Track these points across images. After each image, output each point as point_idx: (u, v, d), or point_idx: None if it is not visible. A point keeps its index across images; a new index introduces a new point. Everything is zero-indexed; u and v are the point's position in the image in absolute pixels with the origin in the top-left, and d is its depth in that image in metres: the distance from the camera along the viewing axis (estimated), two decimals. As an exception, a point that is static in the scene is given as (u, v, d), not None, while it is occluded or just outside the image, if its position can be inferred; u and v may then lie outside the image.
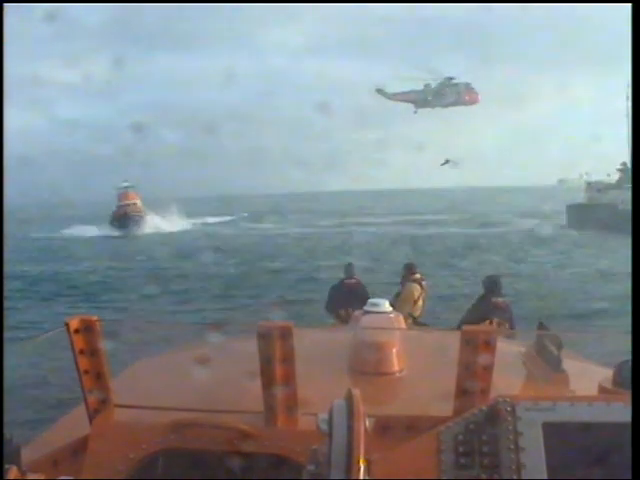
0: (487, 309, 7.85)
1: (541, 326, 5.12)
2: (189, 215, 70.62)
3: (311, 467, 1.96)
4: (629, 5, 3.36)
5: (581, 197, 52.98)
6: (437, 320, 12.26)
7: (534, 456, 2.12)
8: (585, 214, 48.34)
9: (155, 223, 63.16)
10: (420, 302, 9.43)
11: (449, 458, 2.18)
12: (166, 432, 2.78)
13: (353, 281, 9.43)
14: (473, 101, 66.54)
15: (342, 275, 9.99)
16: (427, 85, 65.46)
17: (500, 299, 8.03)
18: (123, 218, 61.55)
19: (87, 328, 2.83)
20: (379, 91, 67.04)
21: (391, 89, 67.16)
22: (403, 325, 5.80)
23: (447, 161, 57.50)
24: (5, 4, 4.28)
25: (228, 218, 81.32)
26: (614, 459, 2.08)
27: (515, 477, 2.11)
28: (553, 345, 3.81)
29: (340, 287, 9.50)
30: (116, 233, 59.08)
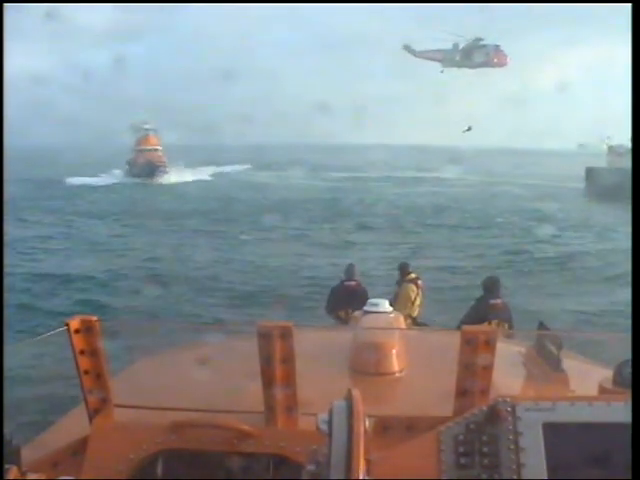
0: (486, 310, 7.85)
1: (541, 326, 5.12)
2: (202, 164, 66.59)
3: (311, 467, 1.96)
4: (629, 5, 3.35)
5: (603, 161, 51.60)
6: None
7: (534, 456, 2.12)
8: (605, 179, 46.38)
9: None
10: (417, 302, 9.44)
11: (449, 458, 2.18)
12: (166, 432, 2.78)
13: (353, 283, 9.41)
14: (502, 63, 64.32)
15: (342, 276, 9.97)
16: (455, 45, 63.89)
17: (499, 300, 8.03)
18: (147, 166, 55.67)
19: (87, 328, 2.83)
20: (406, 48, 65.40)
21: (418, 47, 65.85)
22: (403, 325, 5.81)
23: (469, 128, 57.18)
24: (5, 4, 4.27)
25: (243, 167, 78.69)
26: (614, 459, 2.08)
27: (515, 477, 2.10)
28: (553, 345, 3.82)
29: (340, 289, 9.48)
30: (135, 180, 54.36)
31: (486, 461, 2.15)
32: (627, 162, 46.49)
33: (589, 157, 56.99)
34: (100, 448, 2.76)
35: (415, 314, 9.37)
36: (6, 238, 20.53)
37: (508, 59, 65.18)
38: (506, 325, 7.82)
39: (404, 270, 9.78)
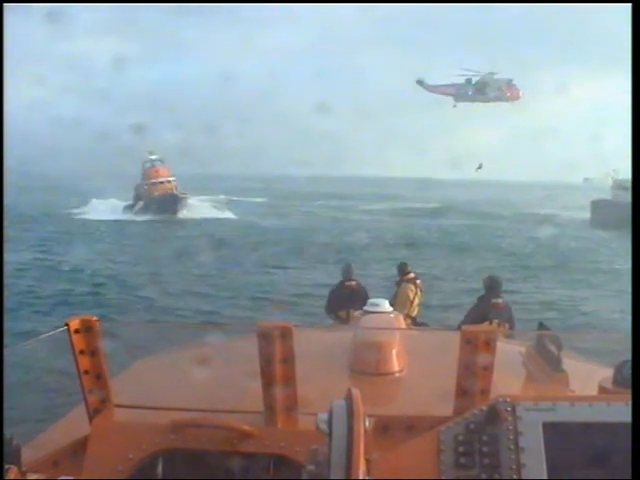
0: (487, 310, 7.85)
1: (541, 326, 5.12)
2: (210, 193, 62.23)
3: (311, 467, 1.96)
4: (629, 5, 3.35)
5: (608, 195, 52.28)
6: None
7: (534, 456, 2.11)
8: (609, 211, 47.50)
9: (194, 205, 52.62)
10: (416, 301, 9.46)
11: (449, 458, 2.18)
12: (166, 432, 2.78)
13: (353, 283, 9.43)
14: (515, 97, 64.97)
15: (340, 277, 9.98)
16: (468, 79, 64.44)
17: (500, 300, 8.03)
18: (166, 200, 49.77)
19: (87, 328, 2.84)
20: (419, 82, 65.60)
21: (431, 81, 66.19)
22: (403, 325, 5.81)
23: (480, 166, 57.99)
24: (5, 4, 4.27)
25: (259, 199, 75.08)
26: (614, 459, 2.08)
27: (515, 477, 2.10)
28: (553, 345, 3.82)
29: (340, 289, 9.49)
30: (155, 217, 47.91)
31: (486, 461, 2.15)
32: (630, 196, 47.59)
33: (594, 191, 57.77)
34: (100, 448, 2.76)
35: (414, 314, 9.38)
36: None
37: (521, 93, 65.44)
38: (507, 325, 7.82)
39: (403, 270, 9.80)
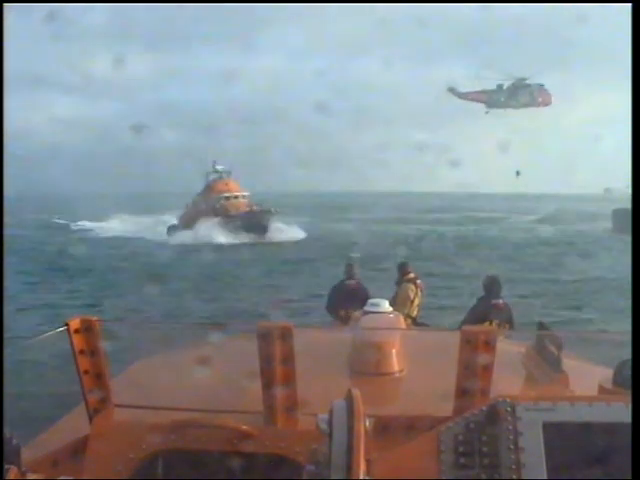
0: (487, 310, 7.84)
1: (541, 326, 5.12)
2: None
3: (311, 467, 1.96)
4: (629, 5, 3.34)
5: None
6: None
7: (534, 456, 2.12)
8: (628, 218, 48.35)
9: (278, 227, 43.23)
10: (416, 301, 9.44)
11: (449, 458, 2.18)
12: (166, 432, 2.77)
13: (354, 282, 9.42)
14: (546, 103, 64.95)
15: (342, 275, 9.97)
16: (499, 85, 64.08)
17: (500, 300, 8.02)
18: (252, 219, 41.56)
19: (87, 328, 2.84)
20: (451, 90, 65.47)
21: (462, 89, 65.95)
22: (403, 325, 5.80)
23: (518, 173, 57.46)
24: (5, 4, 4.27)
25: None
26: (614, 459, 2.08)
27: (515, 477, 2.10)
28: (553, 345, 3.81)
29: (341, 288, 9.48)
30: (241, 239, 39.88)
31: (486, 461, 2.15)
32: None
33: (614, 202, 58.21)
34: (100, 448, 2.76)
35: (414, 314, 9.37)
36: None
37: (552, 98, 65.00)
38: (507, 325, 7.81)
39: (403, 270, 9.78)
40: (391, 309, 6.06)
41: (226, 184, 45.95)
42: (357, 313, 6.57)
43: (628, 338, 2.54)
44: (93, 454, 2.75)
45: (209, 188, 46.38)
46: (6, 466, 2.10)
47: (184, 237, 41.46)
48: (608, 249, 34.98)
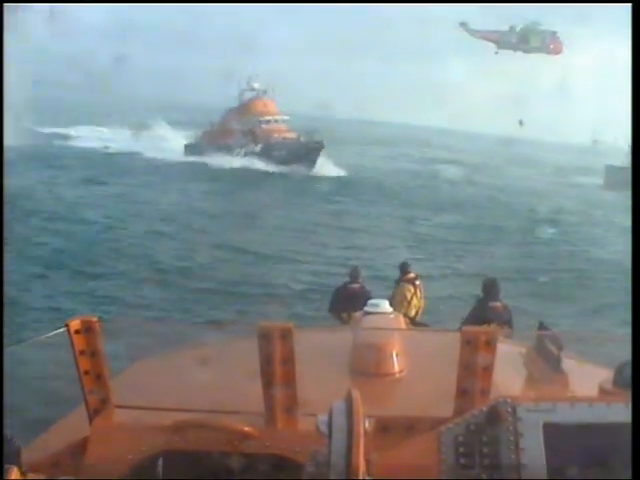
0: (486, 312, 7.84)
1: (541, 326, 5.12)
2: None
3: (311, 468, 1.96)
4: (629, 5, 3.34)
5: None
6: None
7: (534, 456, 2.12)
8: (623, 176, 47.86)
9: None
10: (414, 302, 9.45)
11: (449, 458, 2.18)
12: (166, 433, 2.77)
13: (357, 285, 9.45)
14: (557, 51, 63.19)
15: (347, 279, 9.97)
16: (512, 27, 62.42)
17: (498, 303, 8.02)
18: (296, 146, 37.56)
19: (87, 329, 2.83)
20: (462, 25, 63.82)
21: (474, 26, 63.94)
22: (403, 326, 5.80)
23: (521, 122, 56.58)
24: (5, 4, 4.27)
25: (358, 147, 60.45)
26: (614, 459, 2.08)
27: (515, 477, 2.10)
28: (553, 346, 3.81)
29: (343, 291, 9.51)
30: (286, 168, 36.00)
31: (486, 461, 2.15)
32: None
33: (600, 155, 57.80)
34: (100, 449, 2.76)
35: (412, 314, 9.37)
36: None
37: (563, 47, 63.73)
38: (506, 327, 7.81)
39: (404, 270, 9.80)
40: (391, 309, 6.04)
41: (265, 105, 41.17)
42: (357, 314, 6.57)
43: (628, 338, 2.54)
44: (93, 455, 2.75)
45: (245, 107, 41.62)
46: (6, 466, 2.10)
47: (211, 159, 37.85)
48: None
